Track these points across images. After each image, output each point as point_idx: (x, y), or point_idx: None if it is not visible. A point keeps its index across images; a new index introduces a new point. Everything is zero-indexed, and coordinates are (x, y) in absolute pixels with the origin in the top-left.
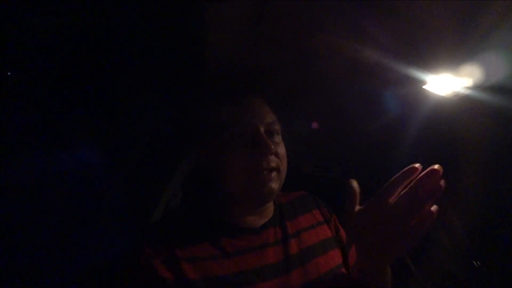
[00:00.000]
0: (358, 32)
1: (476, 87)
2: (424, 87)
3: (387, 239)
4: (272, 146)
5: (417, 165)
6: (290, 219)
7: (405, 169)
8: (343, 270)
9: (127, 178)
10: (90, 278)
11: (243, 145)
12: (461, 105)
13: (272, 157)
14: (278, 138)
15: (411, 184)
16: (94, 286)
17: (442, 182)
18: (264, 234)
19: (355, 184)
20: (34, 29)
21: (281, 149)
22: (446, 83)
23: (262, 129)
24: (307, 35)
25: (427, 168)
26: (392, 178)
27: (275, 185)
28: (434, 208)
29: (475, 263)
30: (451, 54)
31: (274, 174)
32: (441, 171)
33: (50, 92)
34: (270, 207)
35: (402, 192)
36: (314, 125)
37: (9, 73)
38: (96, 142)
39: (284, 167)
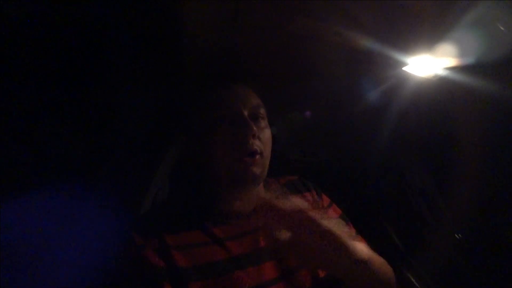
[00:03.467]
0: (337, 15)
1: (455, 67)
2: (404, 68)
3: None
4: (254, 128)
5: None
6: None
7: None
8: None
9: (111, 175)
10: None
11: (226, 128)
12: (442, 86)
13: (255, 141)
14: (263, 123)
15: None
16: (88, 281)
17: None
18: (254, 219)
19: None
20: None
21: (265, 134)
22: (426, 64)
23: (245, 112)
24: (286, 18)
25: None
26: None
27: (257, 169)
28: None
29: (457, 236)
30: (430, 35)
31: (257, 158)
32: None
33: (26, 86)
34: (259, 192)
35: None
36: (300, 111)
37: None
38: (74, 139)
39: (267, 153)
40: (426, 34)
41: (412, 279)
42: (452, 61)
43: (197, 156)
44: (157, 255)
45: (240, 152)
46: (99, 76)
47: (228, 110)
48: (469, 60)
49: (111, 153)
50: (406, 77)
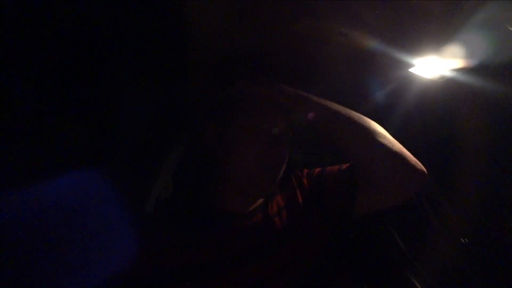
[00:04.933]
0: (343, 16)
1: (463, 68)
2: (410, 70)
3: None
4: (285, 150)
5: None
6: (271, 200)
7: None
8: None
9: (114, 174)
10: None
11: (263, 139)
12: (449, 88)
13: (279, 154)
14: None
15: None
16: (88, 280)
17: None
18: (254, 218)
19: None
20: None
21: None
22: (433, 66)
23: (285, 129)
24: (291, 19)
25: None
26: None
27: (275, 181)
28: None
29: (462, 240)
30: (437, 36)
31: (277, 170)
32: None
33: (32, 84)
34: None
35: None
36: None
37: None
38: (78, 137)
39: (284, 166)
40: (433, 35)
41: (416, 283)
42: (460, 63)
43: (220, 150)
44: (159, 255)
45: (272, 166)
46: (105, 75)
47: (271, 122)
48: (477, 61)
49: (115, 152)
50: (412, 79)
